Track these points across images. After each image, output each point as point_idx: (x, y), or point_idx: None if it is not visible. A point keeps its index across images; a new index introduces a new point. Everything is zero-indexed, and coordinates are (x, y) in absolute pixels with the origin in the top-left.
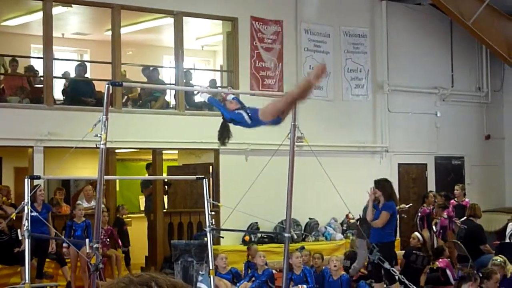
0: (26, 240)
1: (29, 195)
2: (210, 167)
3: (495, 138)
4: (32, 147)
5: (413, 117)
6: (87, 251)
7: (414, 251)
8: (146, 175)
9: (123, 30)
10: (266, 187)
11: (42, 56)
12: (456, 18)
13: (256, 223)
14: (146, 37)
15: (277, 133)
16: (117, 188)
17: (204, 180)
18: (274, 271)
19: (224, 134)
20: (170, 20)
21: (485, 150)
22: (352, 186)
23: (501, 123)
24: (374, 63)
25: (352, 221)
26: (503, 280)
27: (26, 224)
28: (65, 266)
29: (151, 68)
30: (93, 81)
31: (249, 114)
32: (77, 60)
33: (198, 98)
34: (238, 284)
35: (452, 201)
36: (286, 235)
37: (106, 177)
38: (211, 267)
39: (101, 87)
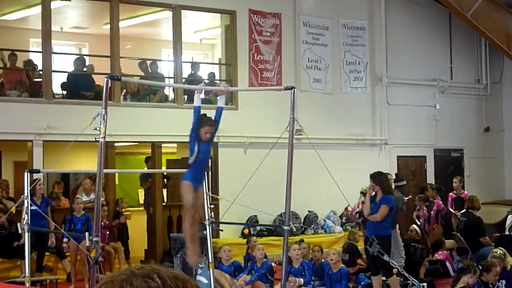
0: (26, 233)
1: (29, 189)
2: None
3: (495, 130)
4: (31, 141)
5: (412, 109)
6: (87, 244)
7: (412, 244)
8: (145, 168)
9: (121, 24)
10: (265, 180)
11: (41, 50)
12: (455, 10)
13: (255, 216)
14: (145, 30)
15: (276, 126)
16: (116, 182)
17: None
18: (273, 264)
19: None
20: (168, 14)
21: (485, 142)
22: (351, 179)
23: (500, 115)
24: (373, 56)
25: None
26: (503, 272)
27: (26, 218)
28: (64, 259)
29: (148, 62)
30: (92, 75)
31: (199, 154)
32: (76, 54)
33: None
34: (237, 277)
35: (451, 193)
36: (285, 228)
37: (105, 170)
38: (210, 260)
39: (100, 80)
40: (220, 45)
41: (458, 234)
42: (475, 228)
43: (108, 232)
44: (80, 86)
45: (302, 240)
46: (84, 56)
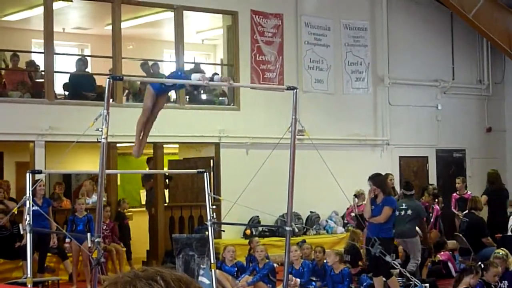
0: (28, 234)
1: (31, 189)
2: (211, 160)
3: (496, 131)
4: (33, 141)
5: (414, 110)
6: (89, 245)
7: None
8: (147, 169)
9: (123, 25)
10: (267, 180)
11: (43, 51)
12: (457, 10)
13: (257, 216)
14: (147, 31)
15: (277, 127)
16: (118, 182)
17: (205, 174)
18: (275, 264)
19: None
20: (170, 14)
21: (486, 142)
22: (353, 179)
23: (502, 116)
24: (374, 56)
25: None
26: (505, 273)
27: (28, 219)
28: (66, 260)
29: (150, 63)
30: (94, 76)
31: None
32: (78, 55)
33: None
34: (239, 278)
35: (454, 194)
36: (287, 228)
37: (107, 171)
38: (212, 261)
39: (102, 81)
40: (222, 45)
41: (461, 235)
42: (478, 229)
43: (110, 233)
44: (82, 87)
45: (304, 241)
46: (86, 57)
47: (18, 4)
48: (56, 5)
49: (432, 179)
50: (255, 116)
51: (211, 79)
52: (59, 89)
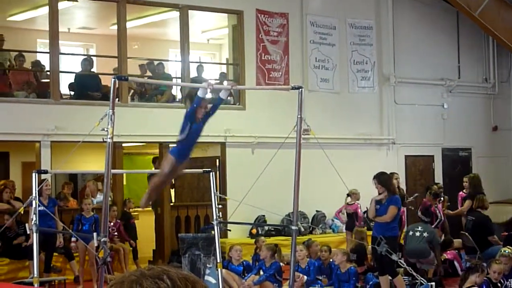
0: (34, 234)
1: (37, 189)
2: (217, 160)
3: (502, 129)
4: (39, 141)
5: (420, 109)
6: (95, 245)
7: None
8: (153, 168)
9: (128, 24)
10: (273, 180)
11: (48, 51)
12: (463, 9)
13: (263, 216)
14: (152, 31)
15: (283, 126)
16: (124, 182)
17: (211, 173)
18: (282, 264)
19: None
20: (175, 14)
21: (492, 141)
22: (359, 178)
23: (508, 114)
24: (380, 55)
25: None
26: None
27: (34, 219)
28: (73, 261)
29: (156, 63)
30: (99, 75)
31: (189, 130)
32: (83, 55)
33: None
34: (245, 277)
35: (461, 192)
36: (293, 227)
37: (113, 171)
38: (218, 260)
39: (107, 81)
40: (228, 45)
41: (467, 233)
42: (484, 227)
43: (116, 233)
44: (88, 87)
45: (310, 239)
46: (91, 57)
47: (24, 4)
48: (61, 5)
49: (438, 178)
50: (261, 116)
51: (216, 83)
52: (64, 89)
